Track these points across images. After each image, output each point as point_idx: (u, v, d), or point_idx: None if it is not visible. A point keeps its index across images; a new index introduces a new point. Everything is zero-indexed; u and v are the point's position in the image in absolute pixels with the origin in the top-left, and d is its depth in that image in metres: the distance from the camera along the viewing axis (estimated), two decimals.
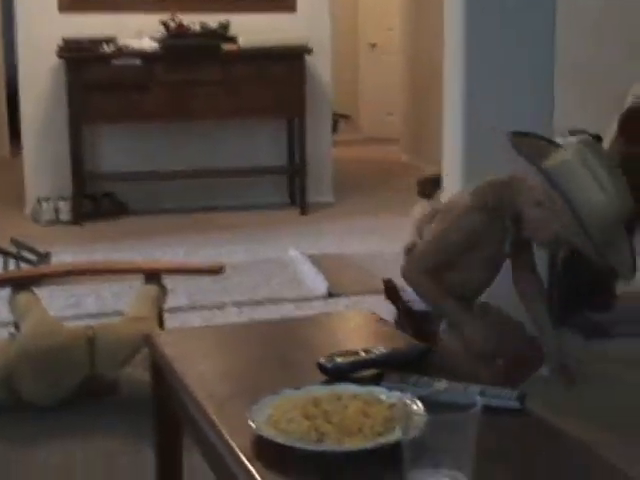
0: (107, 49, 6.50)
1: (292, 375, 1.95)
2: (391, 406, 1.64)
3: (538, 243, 2.65)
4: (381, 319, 2.45)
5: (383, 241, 5.96)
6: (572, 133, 4.56)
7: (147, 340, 2.35)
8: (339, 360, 1.91)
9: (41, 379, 3.13)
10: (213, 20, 6.72)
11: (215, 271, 3.85)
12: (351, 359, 1.92)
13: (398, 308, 2.68)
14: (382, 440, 1.55)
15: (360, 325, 2.41)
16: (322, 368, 1.91)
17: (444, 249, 2.60)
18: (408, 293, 2.62)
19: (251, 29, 6.85)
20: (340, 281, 5.04)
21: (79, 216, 6.62)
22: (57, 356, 3.15)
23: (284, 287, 5.00)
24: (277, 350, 2.15)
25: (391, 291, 2.68)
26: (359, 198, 7.56)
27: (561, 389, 2.89)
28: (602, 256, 2.46)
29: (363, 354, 1.94)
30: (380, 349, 1.96)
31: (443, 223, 2.61)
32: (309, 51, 6.82)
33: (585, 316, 4.32)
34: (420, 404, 1.45)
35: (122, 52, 6.51)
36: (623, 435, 3.22)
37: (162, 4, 6.80)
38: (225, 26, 6.74)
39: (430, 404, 1.45)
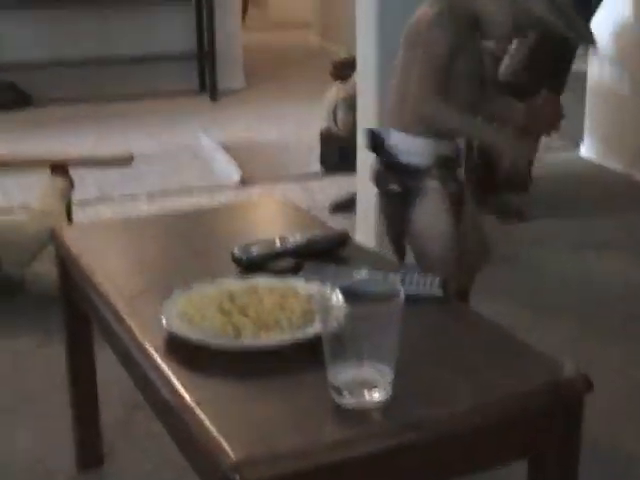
0: None
1: (206, 267, 1.87)
2: (309, 298, 1.58)
3: (497, 38, 2.57)
4: (295, 205, 2.39)
5: (297, 127, 5.88)
6: None
7: (53, 235, 2.25)
8: (254, 250, 1.84)
9: None
10: None
11: (124, 161, 3.71)
12: (266, 249, 1.85)
13: (381, 161, 2.46)
14: (301, 334, 1.49)
15: (275, 213, 2.34)
16: (236, 259, 1.83)
17: (437, 68, 2.35)
18: (393, 145, 2.42)
19: None
20: (253, 169, 4.96)
21: None
22: None
23: (196, 176, 4.90)
24: (189, 242, 2.07)
25: (375, 140, 2.45)
26: (271, 84, 7.42)
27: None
28: (571, 28, 2.38)
29: (279, 243, 1.87)
30: (297, 237, 1.90)
31: (417, 47, 2.39)
32: None
33: (501, 198, 4.32)
34: (340, 295, 1.39)
35: None
36: (537, 314, 3.27)
37: None
38: None
39: (350, 295, 1.39)
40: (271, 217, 2.32)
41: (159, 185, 4.74)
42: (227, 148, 5.30)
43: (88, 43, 6.80)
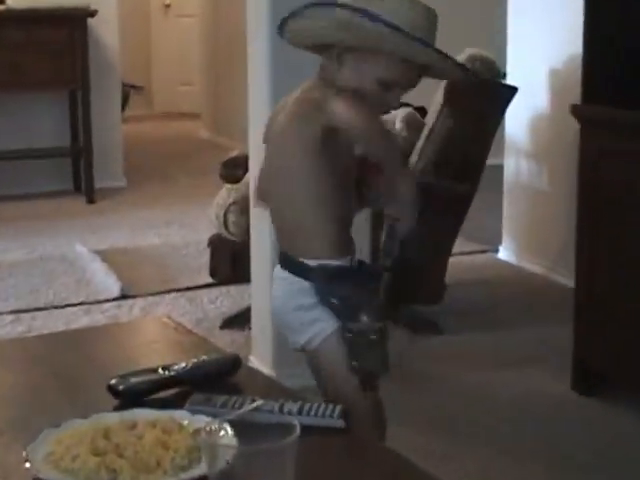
0: None
1: (78, 401, 1.86)
2: (195, 433, 1.59)
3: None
4: (181, 325, 2.40)
5: (183, 232, 5.92)
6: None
7: None
8: (133, 380, 1.84)
9: None
10: None
11: None
12: (147, 378, 1.85)
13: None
14: (185, 476, 1.50)
15: (158, 335, 2.34)
16: (113, 391, 1.83)
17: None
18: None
19: None
20: (135, 280, 4.96)
21: None
22: None
23: (70, 289, 4.89)
24: (60, 370, 2.06)
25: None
26: (155, 182, 7.49)
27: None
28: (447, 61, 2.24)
29: (161, 371, 1.88)
30: (182, 364, 1.91)
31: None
32: (92, 13, 6.67)
33: (412, 309, 4.40)
34: (229, 429, 1.40)
35: None
36: (453, 439, 3.31)
37: None
38: None
39: (242, 428, 1.40)
40: (154, 340, 2.32)
41: (27, 300, 4.70)
42: (106, 257, 5.32)
43: None
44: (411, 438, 3.09)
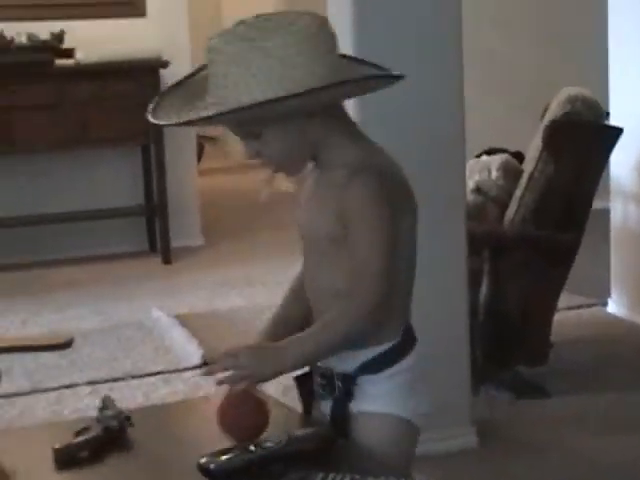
0: None
1: None
2: None
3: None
4: (271, 397, 2.42)
5: (266, 292, 5.93)
6: (489, 152, 4.69)
7: None
8: (224, 459, 1.87)
9: None
10: (44, 30, 6.63)
11: (62, 345, 3.77)
12: (239, 456, 1.88)
13: None
14: None
15: None
16: (204, 470, 1.86)
17: None
18: None
19: (92, 39, 6.77)
20: (217, 346, 4.97)
21: None
22: None
23: (148, 357, 4.94)
24: (146, 449, 2.10)
25: None
26: (234, 239, 7.53)
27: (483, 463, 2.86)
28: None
29: (253, 448, 1.91)
30: (275, 439, 1.92)
31: None
32: (164, 64, 6.79)
33: (515, 371, 4.37)
34: None
35: None
36: None
37: None
38: (59, 37, 6.65)
39: None
40: None
41: (104, 370, 4.76)
42: (185, 321, 5.37)
43: (12, 200, 6.90)
44: None
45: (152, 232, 7.23)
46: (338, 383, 2.14)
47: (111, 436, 2.10)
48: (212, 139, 10.74)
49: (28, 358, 4.72)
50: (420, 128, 3.55)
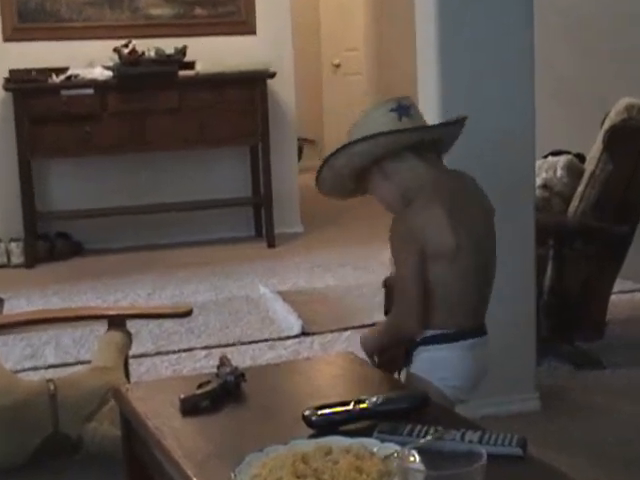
0: (57, 79, 6.47)
1: (276, 429, 1.92)
2: (386, 459, 1.62)
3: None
4: (366, 362, 2.44)
5: (357, 274, 5.95)
6: (555, 154, 4.65)
7: (116, 395, 2.32)
8: (327, 412, 1.88)
9: None
10: (169, 45, 6.71)
11: (182, 314, 3.79)
12: (340, 411, 1.89)
13: None
14: None
15: (344, 370, 2.39)
16: (308, 421, 1.88)
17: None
18: None
19: (209, 54, 6.86)
20: (314, 318, 5.02)
21: (32, 258, 6.56)
22: (15, 416, 3.07)
23: (255, 327, 4.98)
24: (257, 401, 2.12)
25: None
26: (329, 228, 7.56)
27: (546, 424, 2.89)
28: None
29: (353, 405, 1.91)
30: (372, 398, 1.92)
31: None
32: (271, 75, 6.83)
33: (574, 345, 4.34)
34: (417, 456, 1.43)
35: (72, 82, 6.48)
36: (613, 471, 3.25)
37: (115, 30, 6.81)
38: (182, 51, 6.73)
39: (427, 455, 1.43)
40: (340, 374, 2.36)
41: (217, 337, 4.81)
42: (287, 297, 5.40)
43: (140, 191, 7.02)
44: (584, 469, 3.05)
45: (258, 221, 7.28)
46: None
47: (228, 389, 2.13)
48: (310, 141, 10.77)
49: (153, 324, 4.81)
50: (498, 133, 3.56)
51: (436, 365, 2.42)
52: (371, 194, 2.55)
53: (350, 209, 8.31)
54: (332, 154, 2.48)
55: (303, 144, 10.14)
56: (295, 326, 4.89)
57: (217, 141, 6.84)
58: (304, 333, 4.82)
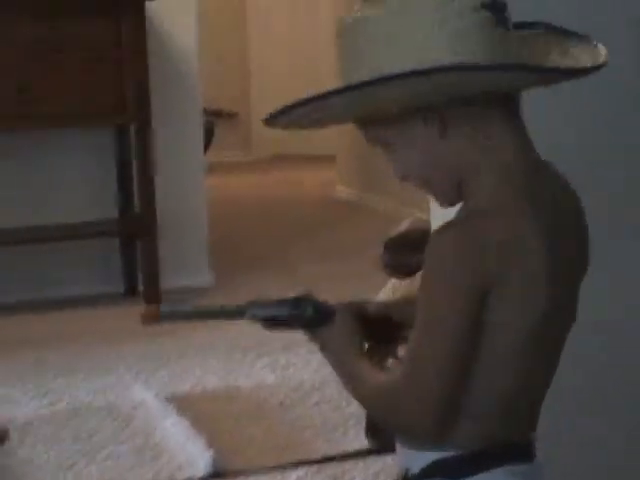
0: None
1: None
2: None
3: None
4: None
5: (310, 358, 5.88)
6: None
7: None
8: None
9: None
10: None
11: None
12: None
13: None
14: None
15: None
16: None
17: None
18: None
19: None
20: (235, 446, 5.06)
21: None
22: None
23: (123, 466, 4.96)
24: None
25: None
26: (256, 274, 7.68)
27: None
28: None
29: None
30: None
31: None
32: None
33: None
34: None
35: None
36: None
37: None
38: None
39: None
40: None
41: None
42: (185, 407, 5.43)
43: None
44: None
45: (131, 265, 7.40)
46: None
47: None
48: (229, 115, 10.94)
49: None
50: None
51: None
52: (390, 152, 2.49)
53: (298, 243, 8.32)
54: (382, 78, 2.25)
55: (214, 121, 10.20)
56: (201, 461, 4.88)
57: (50, 117, 6.85)
58: (217, 474, 4.78)
